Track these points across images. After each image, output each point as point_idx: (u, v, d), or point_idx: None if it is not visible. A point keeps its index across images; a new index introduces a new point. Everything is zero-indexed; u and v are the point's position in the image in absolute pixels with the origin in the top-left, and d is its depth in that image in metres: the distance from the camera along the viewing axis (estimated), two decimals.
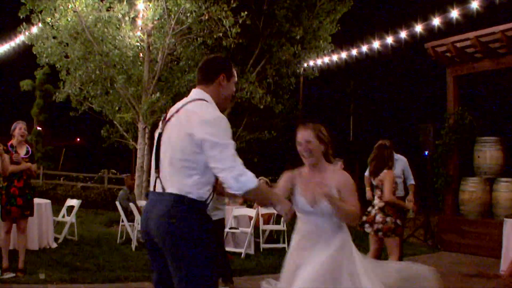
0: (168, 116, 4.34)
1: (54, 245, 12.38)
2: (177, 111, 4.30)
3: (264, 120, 20.86)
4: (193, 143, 4.03)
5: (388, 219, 8.23)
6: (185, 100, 4.39)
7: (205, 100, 4.29)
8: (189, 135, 4.05)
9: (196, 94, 4.38)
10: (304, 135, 5.15)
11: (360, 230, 8.51)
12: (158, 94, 15.79)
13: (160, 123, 4.40)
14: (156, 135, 4.38)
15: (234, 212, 13.07)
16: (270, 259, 11.73)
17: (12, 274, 8.94)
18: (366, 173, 9.46)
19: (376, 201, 8.50)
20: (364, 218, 8.43)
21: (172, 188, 4.10)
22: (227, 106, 4.69)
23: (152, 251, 4.28)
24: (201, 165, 4.06)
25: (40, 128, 36.45)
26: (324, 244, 4.85)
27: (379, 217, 8.31)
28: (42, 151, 34.27)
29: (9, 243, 9.45)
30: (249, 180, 3.98)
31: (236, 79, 4.61)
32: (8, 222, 9.22)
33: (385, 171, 8.52)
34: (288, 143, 21.89)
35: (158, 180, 4.24)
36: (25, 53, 17.80)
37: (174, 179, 4.12)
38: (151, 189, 4.33)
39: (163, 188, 4.17)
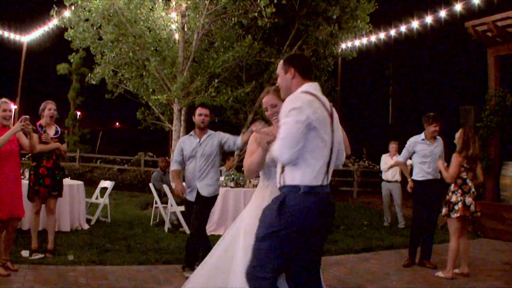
0: (329, 111, 4.52)
1: (86, 227, 12.34)
2: (332, 109, 4.58)
3: None
4: None
5: None
6: (323, 95, 4.59)
7: None
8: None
9: None
10: (267, 101, 5.16)
11: (468, 215, 8.72)
12: (185, 74, 15.58)
13: (328, 118, 4.49)
14: (329, 131, 4.48)
15: None
16: None
17: (41, 255, 8.83)
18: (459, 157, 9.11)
19: (470, 183, 8.79)
20: (471, 201, 8.70)
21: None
22: None
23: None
24: None
25: (79, 113, 36.72)
26: None
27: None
28: (79, 134, 34.51)
29: (39, 223, 9.37)
30: None
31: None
32: (37, 202, 9.12)
33: None
34: None
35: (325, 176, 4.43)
36: (61, 36, 17.66)
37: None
38: (314, 183, 4.38)
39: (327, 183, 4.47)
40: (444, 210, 8.86)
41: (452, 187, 8.86)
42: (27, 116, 7.51)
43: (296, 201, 4.28)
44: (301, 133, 4.23)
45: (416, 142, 9.85)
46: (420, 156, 9.71)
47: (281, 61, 4.74)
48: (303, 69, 4.62)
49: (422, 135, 9.83)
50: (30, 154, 9.19)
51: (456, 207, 8.63)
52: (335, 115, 4.56)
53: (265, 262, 4.29)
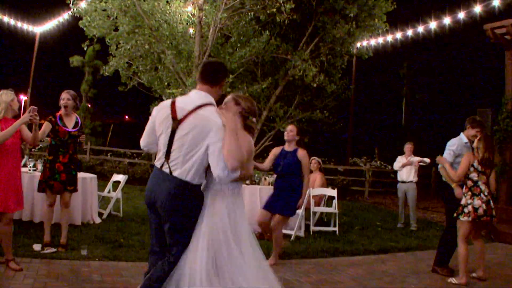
0: (181, 116, 5.10)
1: (98, 221, 12.16)
2: (190, 113, 5.08)
3: (315, 99, 20.39)
4: (205, 146, 5.01)
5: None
6: (194, 101, 5.18)
7: (213, 105, 5.22)
8: (205, 139, 5.00)
9: (204, 98, 5.22)
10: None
11: (475, 218, 8.49)
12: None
13: (171, 119, 5.15)
14: (168, 128, 5.15)
15: None
16: (321, 243, 11.42)
17: (53, 249, 8.68)
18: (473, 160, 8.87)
19: (483, 187, 8.56)
20: (481, 204, 8.46)
21: (178, 173, 5.05)
22: None
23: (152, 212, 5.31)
24: (205, 161, 5.06)
25: (89, 105, 36.65)
26: None
27: (491, 202, 8.55)
28: (90, 127, 34.44)
29: (52, 217, 9.21)
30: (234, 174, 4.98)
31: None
32: (52, 195, 8.96)
33: None
34: (340, 123, 21.52)
35: (165, 163, 5.11)
36: (74, 28, 17.63)
37: (182, 167, 5.05)
38: (158, 165, 5.22)
39: (170, 171, 5.07)
40: (456, 213, 8.67)
41: (463, 190, 8.68)
42: (35, 107, 7.33)
43: None
44: (150, 128, 5.38)
45: (461, 145, 9.35)
46: None
47: None
48: (200, 75, 5.40)
49: (465, 138, 9.36)
50: (46, 147, 9.02)
51: (465, 210, 8.45)
52: (192, 121, 5.07)
53: None
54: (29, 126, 7.72)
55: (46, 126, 8.84)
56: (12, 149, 7.47)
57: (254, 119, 5.68)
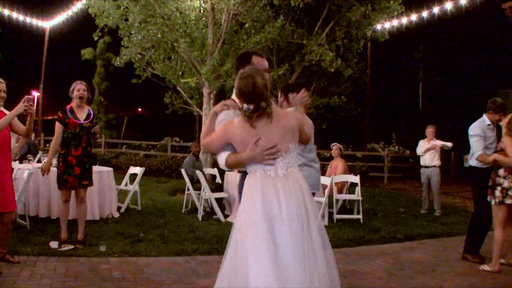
0: None
1: (117, 215, 11.92)
2: None
3: (332, 85, 20.11)
4: None
5: None
6: None
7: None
8: None
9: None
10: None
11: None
12: (217, 57, 15.18)
13: None
14: None
15: None
16: (346, 231, 11.08)
17: (71, 246, 8.41)
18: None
19: None
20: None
21: None
22: None
23: None
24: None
25: (101, 98, 36.55)
26: None
27: None
28: (104, 120, 34.33)
29: (68, 213, 8.93)
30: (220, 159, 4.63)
31: (253, 59, 5.03)
32: (66, 191, 8.69)
33: None
34: (357, 109, 21.21)
35: None
36: (84, 21, 17.46)
37: None
38: None
39: None
40: (495, 197, 8.24)
41: (501, 172, 8.23)
42: (30, 97, 7.01)
43: None
44: None
45: (485, 127, 8.90)
46: (489, 142, 8.91)
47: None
48: None
49: (487, 120, 8.90)
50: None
51: (510, 193, 8.03)
52: None
53: None
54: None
55: (58, 127, 8.65)
56: (2, 143, 7.18)
57: (245, 106, 4.36)
